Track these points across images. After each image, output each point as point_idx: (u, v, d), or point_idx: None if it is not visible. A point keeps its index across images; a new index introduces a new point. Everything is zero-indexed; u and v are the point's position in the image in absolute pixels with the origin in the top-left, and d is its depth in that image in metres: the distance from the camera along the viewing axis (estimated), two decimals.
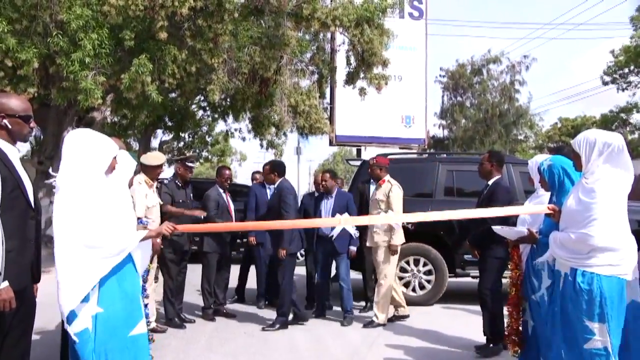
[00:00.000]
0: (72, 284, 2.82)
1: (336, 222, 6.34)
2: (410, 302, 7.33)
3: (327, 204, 6.75)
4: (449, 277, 7.56)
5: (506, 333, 4.44)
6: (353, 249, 6.68)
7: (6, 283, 2.58)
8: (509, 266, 4.42)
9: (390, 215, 6.37)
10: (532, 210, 4.20)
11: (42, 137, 12.67)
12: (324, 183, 6.72)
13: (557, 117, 40.07)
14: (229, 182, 6.91)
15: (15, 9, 8.65)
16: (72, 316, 2.84)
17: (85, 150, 2.97)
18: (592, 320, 3.14)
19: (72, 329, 2.85)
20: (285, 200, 5.97)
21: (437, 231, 7.39)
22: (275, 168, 6.26)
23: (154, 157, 5.95)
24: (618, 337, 3.13)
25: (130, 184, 3.80)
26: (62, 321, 2.96)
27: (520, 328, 4.24)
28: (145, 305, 4.17)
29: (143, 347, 3.07)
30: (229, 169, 7.52)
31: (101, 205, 2.91)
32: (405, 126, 18.65)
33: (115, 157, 3.12)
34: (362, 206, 6.93)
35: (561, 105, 61.51)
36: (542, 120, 33.70)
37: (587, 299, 3.15)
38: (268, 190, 7.15)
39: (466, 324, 6.24)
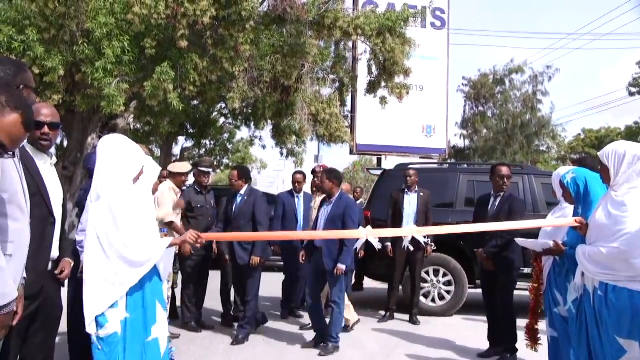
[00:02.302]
0: (100, 292, 2.90)
1: (359, 235, 5.86)
2: (430, 312, 7.29)
3: (325, 211, 5.64)
4: (469, 287, 7.48)
5: (527, 331, 4.47)
6: (342, 267, 5.39)
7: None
8: (532, 277, 4.37)
9: (414, 227, 6.42)
10: (557, 222, 4.08)
11: (66, 143, 12.90)
12: (318, 183, 6.03)
13: (580, 128, 39.39)
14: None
15: (44, 18, 8.86)
16: (103, 320, 2.91)
17: (121, 156, 3.04)
18: (623, 337, 3.01)
19: (101, 332, 2.90)
20: (261, 210, 5.85)
21: (457, 242, 7.32)
22: (244, 174, 6.05)
23: (180, 166, 6.33)
24: None
25: (155, 190, 3.85)
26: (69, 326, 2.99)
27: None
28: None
29: (157, 352, 3.12)
30: None
31: (135, 216, 2.99)
32: (426, 136, 18.59)
33: (143, 167, 3.18)
34: (396, 215, 6.87)
35: (587, 115, 60.46)
36: (564, 132, 33.30)
37: (618, 315, 3.03)
38: (296, 199, 6.96)
39: (486, 335, 6.15)
